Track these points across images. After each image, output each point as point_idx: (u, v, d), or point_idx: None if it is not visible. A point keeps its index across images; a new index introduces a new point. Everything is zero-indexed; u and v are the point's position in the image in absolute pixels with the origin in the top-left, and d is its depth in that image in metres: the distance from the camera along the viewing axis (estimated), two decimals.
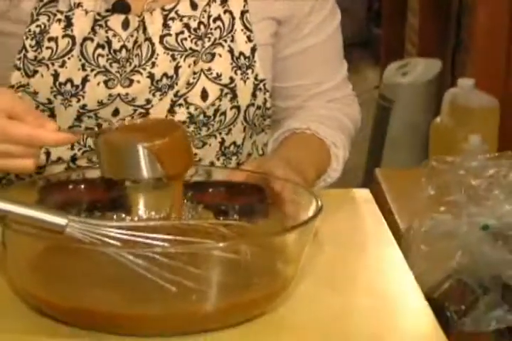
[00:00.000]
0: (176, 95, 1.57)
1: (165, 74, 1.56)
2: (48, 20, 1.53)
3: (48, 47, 1.53)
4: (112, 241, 1.14)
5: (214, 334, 1.13)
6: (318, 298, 1.24)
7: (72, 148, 1.58)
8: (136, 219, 1.34)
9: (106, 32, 1.54)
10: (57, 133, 1.23)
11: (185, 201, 1.33)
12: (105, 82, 1.55)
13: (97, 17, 1.54)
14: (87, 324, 1.13)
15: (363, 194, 1.63)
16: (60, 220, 1.16)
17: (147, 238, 1.13)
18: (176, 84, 1.57)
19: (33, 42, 1.53)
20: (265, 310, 1.18)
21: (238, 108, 1.61)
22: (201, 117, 1.59)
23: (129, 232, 1.14)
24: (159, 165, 1.22)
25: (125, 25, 1.55)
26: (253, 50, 1.60)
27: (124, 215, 1.34)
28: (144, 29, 1.56)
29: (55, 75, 1.54)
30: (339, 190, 1.63)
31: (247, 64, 1.60)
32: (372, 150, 3.93)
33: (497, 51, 3.27)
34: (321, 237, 1.33)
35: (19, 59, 1.54)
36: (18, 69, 1.55)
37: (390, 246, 1.43)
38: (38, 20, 1.53)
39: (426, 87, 3.85)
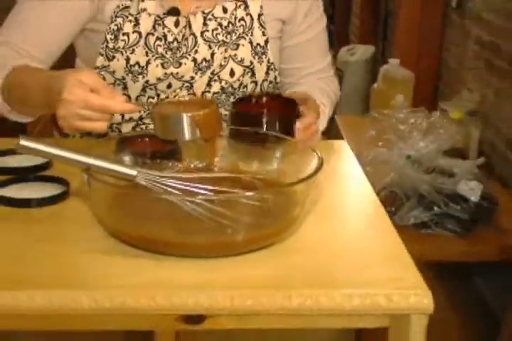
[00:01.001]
0: (212, 73, 1.34)
1: (204, 59, 1.33)
2: (123, 21, 1.30)
3: (122, 40, 1.30)
4: (169, 189, 0.90)
5: (242, 256, 0.90)
6: (314, 224, 1.00)
7: (139, 111, 1.35)
8: (184, 165, 1.09)
9: (163, 29, 1.31)
10: (125, 104, 1.02)
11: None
12: (162, 64, 1.32)
13: (157, 18, 1.31)
14: (151, 248, 0.90)
15: (341, 144, 1.37)
16: (131, 171, 0.93)
17: (196, 188, 0.90)
18: (212, 65, 1.34)
19: (112, 36, 1.30)
20: (280, 238, 0.94)
21: (256, 83, 1.38)
22: (230, 89, 1.36)
23: (183, 182, 0.91)
24: (198, 130, 1.01)
25: (176, 24, 1.32)
26: (266, 41, 1.36)
27: (176, 163, 1.09)
28: (190, 27, 1.32)
29: (127, 59, 1.31)
30: (321, 142, 1.37)
31: (262, 51, 1.36)
32: None
33: (412, 42, 3.11)
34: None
35: (102, 48, 1.31)
36: (102, 55, 1.32)
37: (365, 187, 1.16)
38: (115, 20, 1.30)
39: (364, 63, 3.69)
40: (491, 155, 2.44)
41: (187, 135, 1.02)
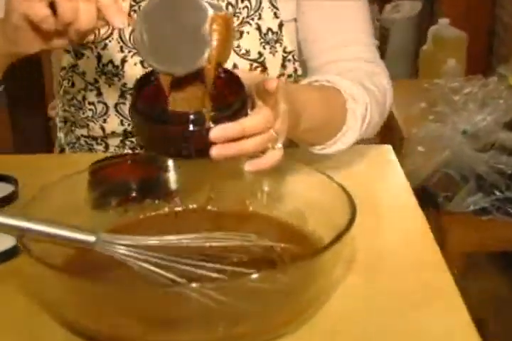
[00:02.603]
0: None
1: None
2: None
3: None
4: (146, 266, 0.61)
5: None
6: (352, 289, 0.70)
7: (122, 124, 1.05)
8: (172, 204, 0.80)
9: None
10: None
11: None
12: (141, 62, 1.02)
13: (132, 3, 1.01)
14: None
15: (385, 150, 1.02)
16: (89, 237, 0.63)
17: (190, 266, 0.60)
18: None
19: None
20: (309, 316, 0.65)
21: None
22: None
23: (162, 256, 0.61)
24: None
25: None
26: (280, 25, 1.03)
27: (162, 201, 0.80)
28: None
29: (99, 57, 1.02)
30: (361, 146, 0.98)
31: (275, 38, 1.03)
32: None
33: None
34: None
35: None
36: (68, 52, 1.03)
37: (415, 213, 0.85)
38: None
39: (410, 21, 3.28)
40: None
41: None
